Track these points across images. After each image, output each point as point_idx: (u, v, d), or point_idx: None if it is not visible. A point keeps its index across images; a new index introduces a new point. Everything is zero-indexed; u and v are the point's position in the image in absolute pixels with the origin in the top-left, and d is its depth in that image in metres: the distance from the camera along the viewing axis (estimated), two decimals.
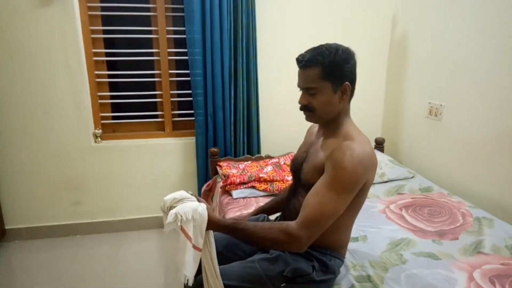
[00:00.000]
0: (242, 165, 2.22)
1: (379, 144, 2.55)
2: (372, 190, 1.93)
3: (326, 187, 1.02)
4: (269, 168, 2.18)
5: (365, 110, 2.63)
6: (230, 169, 2.15)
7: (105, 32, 2.33)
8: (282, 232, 1.01)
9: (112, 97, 2.43)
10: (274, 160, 2.30)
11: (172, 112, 2.49)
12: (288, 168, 1.98)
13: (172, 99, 2.46)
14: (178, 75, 2.45)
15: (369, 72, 2.62)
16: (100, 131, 2.40)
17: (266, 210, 1.47)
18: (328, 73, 1.07)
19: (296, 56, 1.13)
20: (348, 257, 1.33)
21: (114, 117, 2.45)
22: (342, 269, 1.27)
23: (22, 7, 2.06)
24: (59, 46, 2.16)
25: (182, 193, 1.07)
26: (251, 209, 1.73)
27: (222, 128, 2.38)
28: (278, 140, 2.56)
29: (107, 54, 2.37)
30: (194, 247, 1.02)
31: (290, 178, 1.98)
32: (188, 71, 2.32)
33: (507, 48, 1.72)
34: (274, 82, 2.49)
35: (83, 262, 2.20)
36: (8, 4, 2.05)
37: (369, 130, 2.36)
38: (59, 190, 2.40)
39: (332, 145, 1.09)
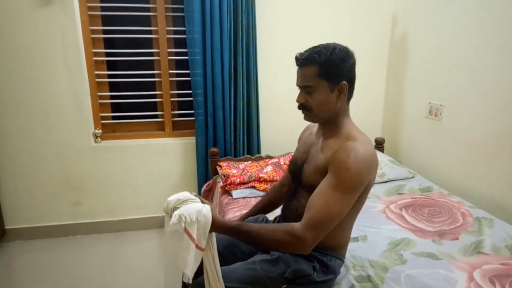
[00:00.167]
0: (242, 165, 2.22)
1: (379, 144, 2.55)
2: (372, 190, 1.91)
3: (331, 188, 1.02)
4: (269, 168, 2.18)
5: (365, 110, 2.63)
6: (230, 169, 2.15)
7: (105, 32, 2.33)
8: (288, 233, 1.01)
9: (112, 97, 2.43)
10: (274, 160, 2.30)
11: (172, 112, 2.49)
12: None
13: (172, 99, 2.46)
14: (178, 75, 2.45)
15: (369, 72, 2.62)
16: (100, 131, 2.40)
17: (259, 211, 1.46)
18: (324, 71, 1.07)
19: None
20: (348, 257, 1.33)
21: (114, 117, 2.45)
22: (342, 269, 1.27)
23: (22, 7, 2.06)
24: (59, 46, 2.16)
25: (186, 194, 1.06)
26: None
27: (222, 128, 2.38)
28: (278, 140, 2.56)
29: (107, 54, 2.37)
30: (197, 246, 1.02)
31: None
32: (188, 71, 2.32)
33: (507, 48, 1.72)
34: (274, 82, 2.49)
35: (83, 262, 2.20)
36: (8, 4, 2.05)
37: (369, 130, 2.36)
38: (59, 190, 2.40)
39: (334, 146, 1.09)
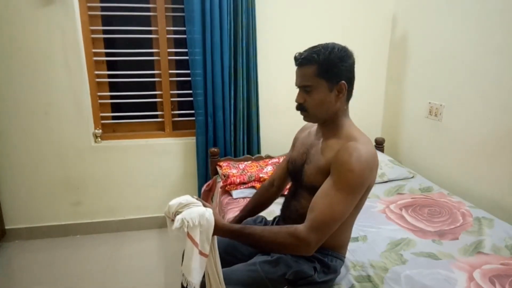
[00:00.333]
0: (242, 165, 2.22)
1: (379, 144, 2.55)
2: (372, 190, 1.89)
3: (334, 189, 1.02)
4: (269, 168, 2.18)
5: (365, 110, 2.63)
6: (230, 169, 2.15)
7: (105, 32, 2.33)
8: (291, 235, 1.01)
9: (112, 97, 2.43)
10: (274, 160, 2.30)
11: (172, 112, 2.49)
12: None
13: (172, 99, 2.46)
14: (178, 75, 2.45)
15: (369, 72, 2.62)
16: (100, 131, 2.40)
17: (248, 214, 1.44)
18: (323, 71, 1.07)
19: None
20: (348, 257, 1.32)
21: (114, 117, 2.45)
22: (342, 269, 1.27)
23: (22, 7, 2.06)
24: (59, 46, 2.16)
25: (187, 198, 1.04)
26: None
27: (222, 128, 2.38)
28: (278, 140, 2.56)
29: (107, 54, 2.37)
30: (201, 253, 1.00)
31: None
32: (188, 71, 2.32)
33: (507, 48, 1.72)
34: (274, 82, 2.49)
35: (83, 262, 2.20)
36: (8, 4, 2.05)
37: (369, 130, 2.35)
38: (59, 190, 2.40)
39: (335, 146, 1.09)
